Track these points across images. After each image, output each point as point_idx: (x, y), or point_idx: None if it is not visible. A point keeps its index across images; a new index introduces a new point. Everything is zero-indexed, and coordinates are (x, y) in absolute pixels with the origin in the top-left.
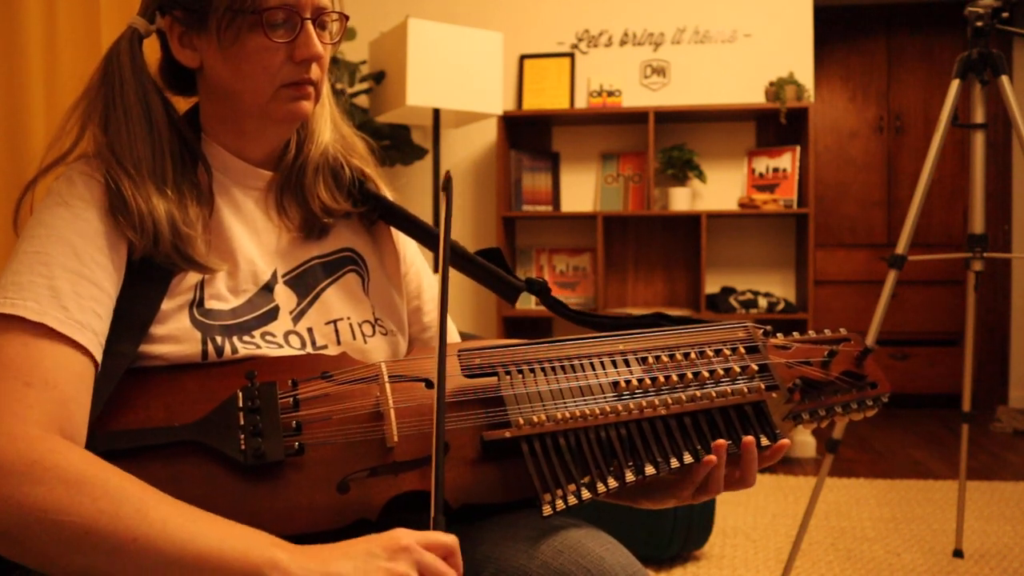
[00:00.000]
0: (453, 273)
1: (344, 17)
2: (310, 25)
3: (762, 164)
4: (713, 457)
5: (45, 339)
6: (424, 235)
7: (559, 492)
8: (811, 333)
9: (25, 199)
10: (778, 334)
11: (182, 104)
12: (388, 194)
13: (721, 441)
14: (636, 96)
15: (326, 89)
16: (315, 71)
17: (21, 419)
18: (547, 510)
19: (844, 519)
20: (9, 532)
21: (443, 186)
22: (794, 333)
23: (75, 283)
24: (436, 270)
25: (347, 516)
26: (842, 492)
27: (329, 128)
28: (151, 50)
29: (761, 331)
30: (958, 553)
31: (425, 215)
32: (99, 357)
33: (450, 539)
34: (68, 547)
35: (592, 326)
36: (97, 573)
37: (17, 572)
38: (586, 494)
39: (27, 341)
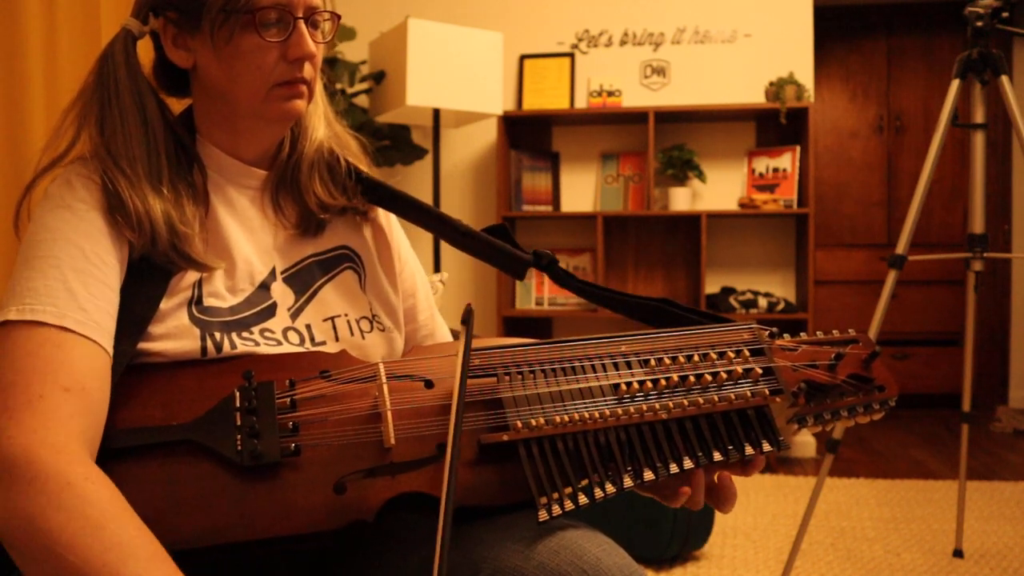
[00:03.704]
0: (453, 269)
1: (336, 16)
2: (303, 24)
3: (762, 164)
4: (688, 489)
5: (70, 342)
6: (420, 213)
7: (555, 496)
8: (819, 334)
9: (25, 201)
10: (785, 335)
11: (176, 106)
12: None
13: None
14: (636, 96)
15: (319, 88)
16: (308, 70)
17: (65, 429)
18: (543, 515)
19: (844, 519)
20: (14, 546)
21: (463, 319)
22: (801, 334)
23: (88, 284)
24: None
25: (344, 517)
26: (842, 492)
27: (323, 125)
28: (145, 51)
29: (767, 332)
30: (958, 553)
31: None
32: (112, 356)
33: None
34: None
35: (597, 299)
36: None
37: (16, 573)
38: (583, 499)
39: (58, 343)
